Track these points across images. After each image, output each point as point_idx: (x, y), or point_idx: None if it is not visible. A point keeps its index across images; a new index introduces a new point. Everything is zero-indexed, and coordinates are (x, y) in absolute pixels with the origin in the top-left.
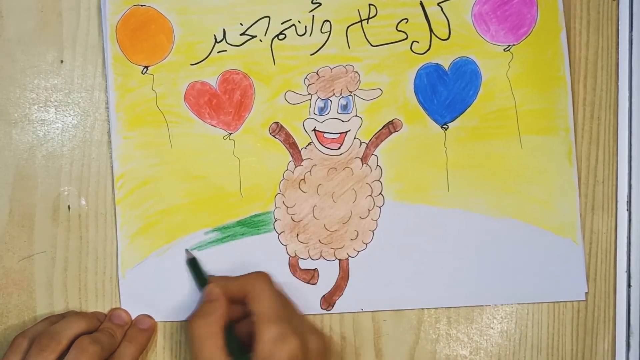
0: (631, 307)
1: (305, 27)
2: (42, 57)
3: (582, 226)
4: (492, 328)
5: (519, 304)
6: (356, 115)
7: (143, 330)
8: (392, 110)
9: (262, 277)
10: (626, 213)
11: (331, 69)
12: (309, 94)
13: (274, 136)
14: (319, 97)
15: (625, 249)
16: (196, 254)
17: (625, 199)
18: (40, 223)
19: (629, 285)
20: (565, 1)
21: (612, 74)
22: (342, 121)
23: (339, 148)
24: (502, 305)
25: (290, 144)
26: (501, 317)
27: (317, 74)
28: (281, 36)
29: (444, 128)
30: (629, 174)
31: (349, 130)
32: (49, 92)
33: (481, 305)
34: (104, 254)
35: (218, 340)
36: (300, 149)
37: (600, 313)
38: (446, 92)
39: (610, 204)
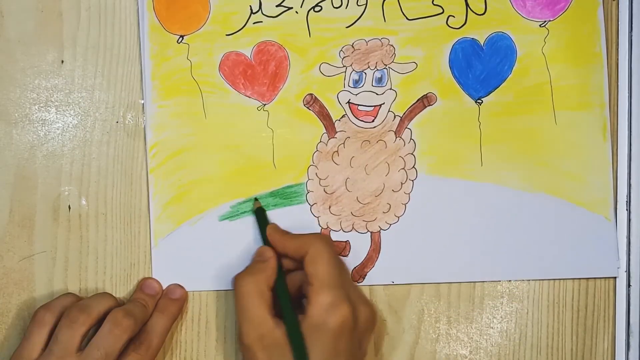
0: (631, 307)
1: None
2: (42, 57)
3: (614, 201)
4: (492, 327)
5: (549, 279)
6: (390, 89)
7: (175, 300)
8: (427, 84)
9: (324, 239)
10: (626, 213)
11: (366, 42)
12: (344, 66)
13: (308, 108)
14: (353, 70)
15: (625, 248)
16: (228, 223)
17: (625, 199)
18: (40, 223)
19: (628, 285)
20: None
21: (612, 74)
22: (377, 94)
23: (373, 121)
24: (500, 301)
25: (324, 116)
26: (501, 317)
27: (353, 47)
28: (317, 8)
29: (478, 103)
30: (629, 174)
31: (383, 103)
32: (49, 92)
33: (510, 280)
34: (104, 253)
35: (264, 299)
36: (334, 121)
37: (600, 313)
38: (481, 66)
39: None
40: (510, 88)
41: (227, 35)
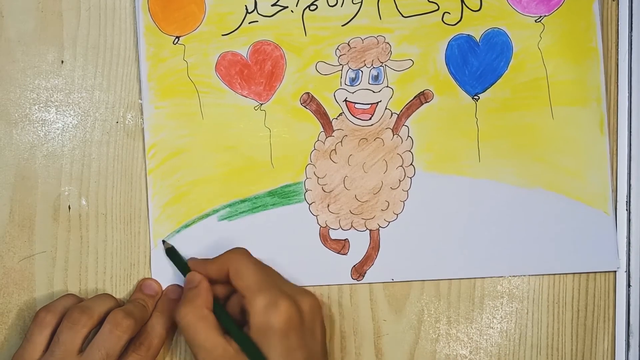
0: (631, 307)
1: None
2: (42, 57)
3: (614, 197)
4: (491, 328)
5: (549, 275)
6: (387, 86)
7: (174, 300)
8: (423, 81)
9: (239, 252)
10: (625, 213)
11: (362, 40)
12: (340, 64)
13: (305, 107)
14: (350, 68)
15: (625, 248)
16: (227, 224)
17: (625, 199)
18: (40, 223)
19: (628, 285)
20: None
21: (612, 74)
22: (373, 92)
23: (370, 119)
24: (500, 301)
25: (321, 115)
26: (501, 317)
27: (349, 45)
28: (312, 7)
29: (475, 99)
30: (629, 174)
31: (380, 101)
32: (49, 93)
33: (507, 276)
34: (104, 254)
35: (209, 321)
36: (331, 119)
37: (600, 313)
38: (477, 63)
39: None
40: (507, 84)
41: (223, 35)
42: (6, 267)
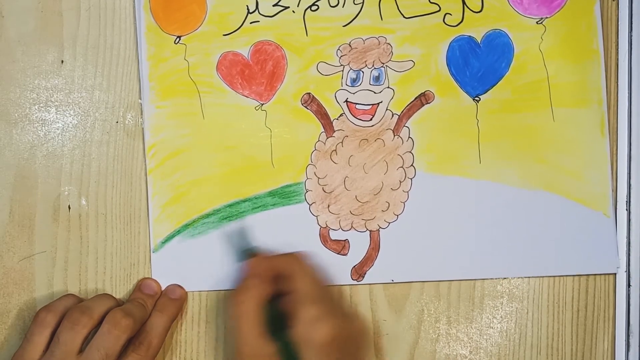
0: (631, 307)
1: None
2: (42, 57)
3: (614, 198)
4: (491, 327)
5: (549, 276)
6: (388, 87)
7: (174, 299)
8: (424, 82)
9: (305, 257)
10: (625, 213)
11: (364, 41)
12: (341, 65)
13: (305, 107)
14: (351, 69)
15: (624, 248)
16: (230, 225)
17: (625, 199)
18: (40, 223)
19: (628, 285)
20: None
21: (612, 74)
22: (374, 92)
23: (371, 119)
24: (500, 301)
25: (322, 115)
26: (501, 317)
27: (350, 46)
28: (314, 7)
29: (476, 100)
30: (629, 174)
31: (381, 102)
32: (49, 92)
33: (507, 278)
34: (104, 254)
35: (257, 316)
36: (332, 120)
37: (600, 313)
38: (478, 64)
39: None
40: (508, 85)
41: (224, 35)
42: (6, 267)
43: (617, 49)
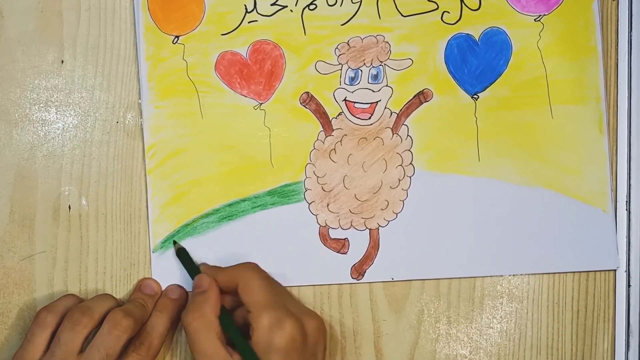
0: (630, 307)
1: None
2: (42, 57)
3: (613, 197)
4: (491, 328)
5: (549, 275)
6: (387, 85)
7: (174, 300)
8: (423, 80)
9: (250, 267)
10: (625, 213)
11: (362, 39)
12: (340, 64)
13: (304, 106)
14: (349, 67)
15: (624, 248)
16: (227, 224)
17: (625, 199)
18: (40, 223)
19: (628, 285)
20: None
21: (611, 74)
22: (373, 91)
23: (370, 118)
24: (500, 301)
25: (321, 114)
26: (500, 317)
27: (348, 44)
28: (312, 6)
29: (475, 98)
30: (628, 174)
31: (380, 100)
32: (49, 92)
33: (503, 275)
34: (104, 254)
35: (214, 330)
36: (330, 119)
37: (600, 313)
38: (476, 62)
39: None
40: (506, 83)
41: (222, 35)
42: (6, 267)
43: (617, 49)
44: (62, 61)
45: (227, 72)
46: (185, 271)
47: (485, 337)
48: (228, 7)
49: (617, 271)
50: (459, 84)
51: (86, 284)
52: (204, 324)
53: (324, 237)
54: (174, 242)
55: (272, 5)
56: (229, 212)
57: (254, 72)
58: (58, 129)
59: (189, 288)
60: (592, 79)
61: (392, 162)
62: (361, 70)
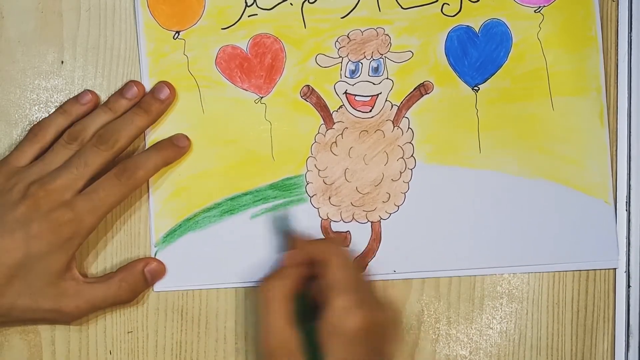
0: (630, 308)
1: None
2: (42, 57)
3: (614, 187)
4: (491, 328)
5: (548, 272)
6: (387, 78)
7: (176, 146)
8: (423, 73)
9: (338, 245)
10: (625, 213)
11: (362, 32)
12: (340, 57)
13: (305, 99)
14: (350, 60)
15: (624, 249)
16: (229, 218)
17: (625, 199)
18: None
19: (628, 286)
20: None
21: (611, 74)
22: (373, 84)
23: (370, 111)
24: (500, 301)
25: (322, 107)
26: (501, 317)
27: (348, 37)
28: None
29: (475, 90)
30: (628, 175)
31: (380, 93)
32: (49, 93)
33: (502, 272)
34: (104, 254)
35: (285, 306)
36: (331, 112)
37: (600, 313)
38: (477, 53)
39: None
40: (507, 74)
41: (222, 29)
42: None
43: (617, 49)
44: (62, 62)
45: (227, 66)
46: (185, 265)
47: (485, 337)
48: (228, 1)
49: (617, 271)
50: (459, 76)
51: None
52: (282, 296)
53: (326, 230)
54: (279, 211)
55: None
56: (230, 206)
57: (254, 65)
58: None
59: (190, 283)
60: (592, 69)
61: (394, 155)
62: (362, 63)
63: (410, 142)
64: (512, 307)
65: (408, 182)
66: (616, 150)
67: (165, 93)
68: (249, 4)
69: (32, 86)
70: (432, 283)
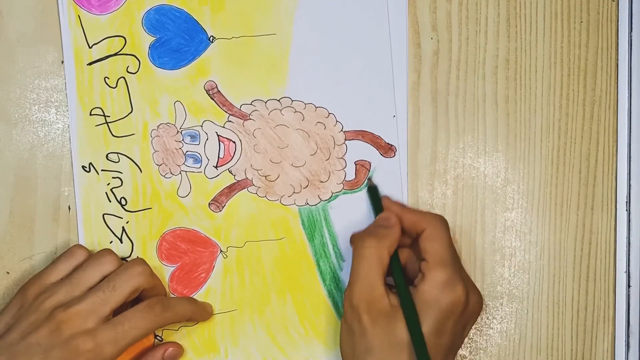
0: (630, 308)
1: None
2: (42, 57)
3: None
4: (491, 328)
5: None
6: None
7: (208, 314)
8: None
9: (442, 219)
10: (625, 213)
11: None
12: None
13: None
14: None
15: (624, 249)
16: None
17: (625, 199)
18: (40, 223)
19: (628, 286)
20: (565, 1)
21: (611, 74)
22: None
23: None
24: (500, 301)
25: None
26: (501, 317)
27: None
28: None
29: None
30: (629, 174)
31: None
32: (49, 93)
33: None
34: None
35: (382, 265)
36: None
37: (600, 313)
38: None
39: (609, 204)
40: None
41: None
42: (6, 267)
43: (617, 49)
44: (62, 61)
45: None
46: None
47: (485, 337)
48: None
49: (617, 272)
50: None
51: None
52: (377, 255)
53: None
54: (368, 179)
55: None
56: None
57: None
58: (58, 129)
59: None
60: None
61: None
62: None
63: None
64: (512, 307)
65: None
66: (616, 150)
67: None
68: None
69: (32, 86)
70: None
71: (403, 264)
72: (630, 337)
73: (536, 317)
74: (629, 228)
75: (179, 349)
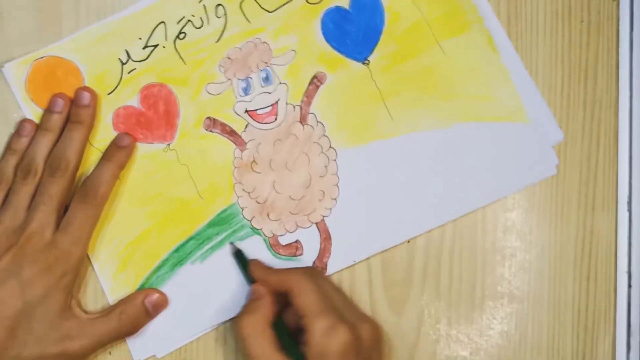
0: (631, 308)
1: (201, 18)
2: None
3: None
4: (492, 329)
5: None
6: (280, 83)
7: (122, 147)
8: (312, 65)
9: (302, 271)
10: (626, 214)
11: (240, 49)
12: (228, 79)
13: (210, 131)
14: (239, 79)
15: (625, 249)
16: (181, 270)
17: (626, 200)
18: None
19: (629, 286)
20: (566, 1)
21: (612, 74)
22: (269, 93)
23: (275, 119)
24: (501, 302)
25: (229, 133)
26: (501, 318)
27: (229, 58)
28: (181, 35)
29: (366, 63)
30: (630, 175)
31: (279, 99)
32: None
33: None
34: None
35: (267, 336)
36: (240, 133)
37: (601, 313)
38: (355, 28)
39: (610, 205)
40: (390, 38)
41: (108, 94)
42: None
43: (617, 49)
44: None
45: (126, 127)
46: (153, 327)
47: (485, 338)
48: (103, 66)
49: (617, 272)
50: (346, 56)
51: (86, 284)
52: (258, 329)
53: (276, 246)
54: (231, 244)
55: (144, 48)
56: (178, 258)
57: (150, 117)
58: None
59: (157, 348)
60: (466, 4)
61: (313, 153)
62: (251, 78)
63: (324, 135)
64: (512, 308)
65: (336, 173)
66: (617, 149)
67: (86, 98)
68: (124, 62)
69: None
70: (432, 283)
71: (294, 323)
72: (631, 338)
73: (537, 317)
74: (630, 228)
75: (164, 297)
